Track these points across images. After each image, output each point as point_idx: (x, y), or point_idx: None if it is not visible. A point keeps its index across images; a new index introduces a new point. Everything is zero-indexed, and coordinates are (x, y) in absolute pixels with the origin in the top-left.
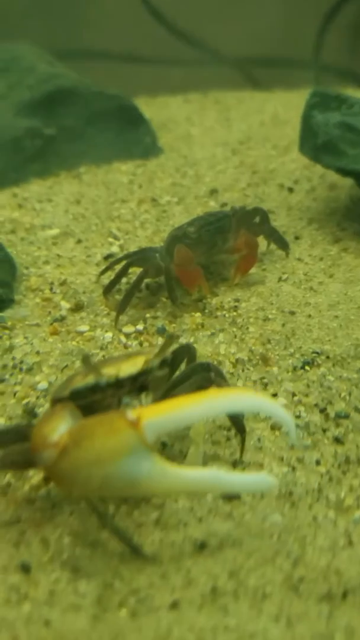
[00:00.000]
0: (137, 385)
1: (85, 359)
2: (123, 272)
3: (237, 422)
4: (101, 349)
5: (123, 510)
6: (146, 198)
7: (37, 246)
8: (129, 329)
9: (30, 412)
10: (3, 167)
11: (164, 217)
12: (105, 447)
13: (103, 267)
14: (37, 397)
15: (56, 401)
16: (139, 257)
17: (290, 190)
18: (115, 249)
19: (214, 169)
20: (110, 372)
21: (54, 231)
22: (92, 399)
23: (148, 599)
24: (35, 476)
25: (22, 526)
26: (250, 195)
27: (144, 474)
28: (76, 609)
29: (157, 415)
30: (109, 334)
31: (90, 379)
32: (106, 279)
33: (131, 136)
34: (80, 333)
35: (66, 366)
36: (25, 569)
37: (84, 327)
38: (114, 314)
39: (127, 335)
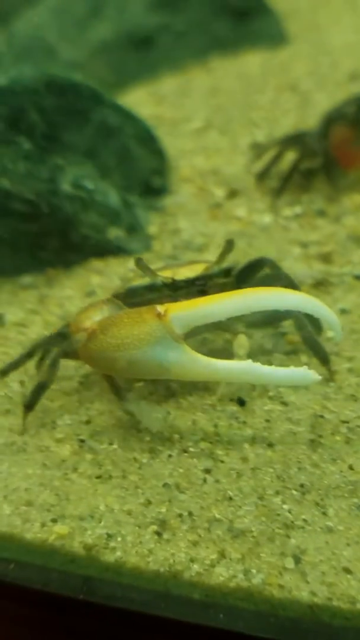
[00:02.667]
0: (195, 290)
1: (139, 262)
2: (277, 157)
3: (315, 348)
4: (262, 231)
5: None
6: (284, 86)
7: (183, 139)
8: (287, 211)
9: None
10: (138, 64)
11: (305, 104)
12: (130, 334)
13: (250, 155)
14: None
15: (115, 297)
16: (292, 141)
17: None
18: (259, 137)
19: (351, 55)
20: (167, 274)
21: (197, 124)
22: (149, 298)
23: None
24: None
25: None
26: None
27: (172, 361)
28: (293, 434)
29: (185, 308)
30: (268, 218)
31: (147, 279)
32: (254, 166)
33: (257, 26)
34: (239, 217)
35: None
36: (240, 402)
37: (241, 212)
38: (269, 198)
39: (287, 218)
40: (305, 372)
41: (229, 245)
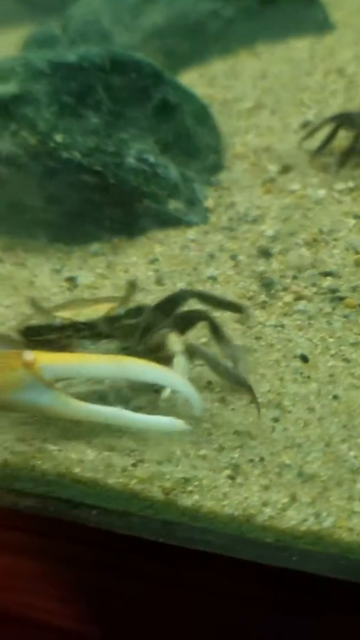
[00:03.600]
0: (99, 332)
1: (34, 302)
2: (333, 134)
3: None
4: (316, 204)
5: None
6: (331, 70)
7: (234, 118)
8: (341, 185)
9: (264, 252)
10: (189, 49)
11: (353, 86)
12: (2, 380)
13: (301, 134)
14: (268, 242)
15: (18, 332)
16: (347, 119)
17: None
18: (310, 117)
19: None
20: (66, 315)
21: (248, 104)
22: (48, 338)
23: None
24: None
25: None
26: None
27: (45, 404)
28: (356, 387)
29: (54, 361)
30: (322, 191)
31: (47, 319)
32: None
33: (304, 13)
34: (293, 191)
35: (287, 218)
36: (303, 359)
37: (295, 186)
38: (322, 174)
39: (340, 192)
40: (170, 421)
41: (132, 286)
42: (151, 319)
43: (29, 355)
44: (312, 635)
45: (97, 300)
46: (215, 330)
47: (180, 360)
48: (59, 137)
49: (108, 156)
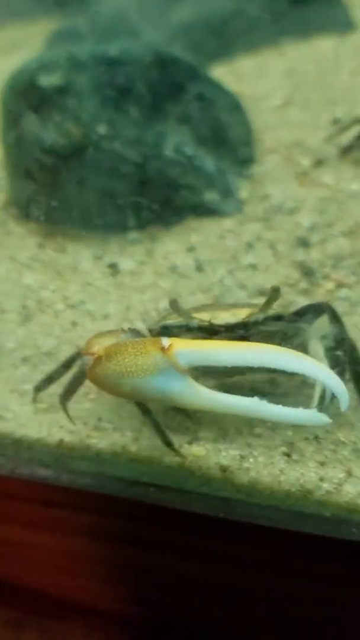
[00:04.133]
0: (236, 336)
1: (173, 303)
2: None
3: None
4: (351, 197)
5: None
6: (358, 69)
7: (265, 114)
8: None
9: (303, 242)
10: (215, 46)
11: None
12: (134, 363)
13: (331, 130)
14: (305, 232)
15: (149, 331)
16: None
17: None
18: (339, 114)
19: None
20: (204, 317)
21: (277, 101)
22: (185, 338)
23: None
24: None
25: None
26: None
27: (175, 391)
28: None
29: (190, 347)
30: (355, 185)
31: (184, 320)
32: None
33: (326, 13)
34: (327, 185)
35: (323, 210)
36: None
37: (328, 180)
38: (354, 169)
39: None
40: (313, 414)
41: (276, 293)
42: (291, 327)
43: (166, 340)
44: None
45: (235, 305)
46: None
47: (321, 355)
48: (101, 129)
49: (147, 148)
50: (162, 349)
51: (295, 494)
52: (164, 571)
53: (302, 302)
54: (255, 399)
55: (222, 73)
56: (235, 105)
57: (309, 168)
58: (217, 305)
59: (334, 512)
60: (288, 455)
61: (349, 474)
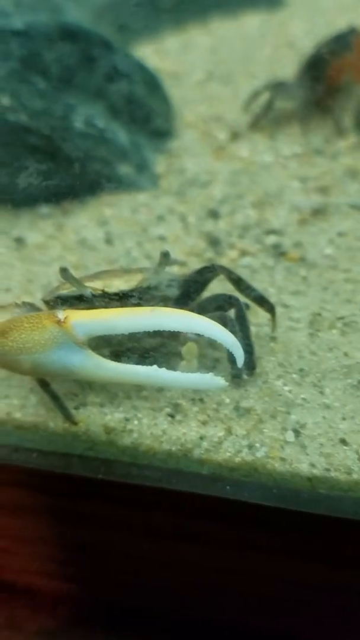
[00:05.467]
0: (130, 303)
1: (64, 272)
2: (269, 103)
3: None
4: (263, 169)
5: None
6: (281, 44)
7: (186, 89)
8: (286, 151)
9: (213, 214)
10: (139, 25)
11: (303, 59)
12: (31, 339)
13: (247, 100)
14: (216, 205)
15: (44, 302)
16: (280, 87)
17: None
18: (259, 87)
19: (345, 14)
20: (98, 285)
21: (199, 76)
22: (78, 309)
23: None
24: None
25: None
26: None
27: (77, 365)
28: (294, 330)
29: (88, 317)
30: (268, 157)
31: (77, 289)
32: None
33: None
34: (241, 157)
35: (235, 182)
36: (246, 306)
37: (244, 153)
38: (269, 141)
39: (286, 157)
40: (210, 379)
41: (165, 257)
42: (182, 291)
43: (61, 313)
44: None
45: (128, 271)
46: (241, 320)
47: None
48: (5, 100)
49: (56, 120)
50: (58, 322)
51: (176, 454)
52: (54, 539)
53: None
54: (155, 367)
55: (147, 51)
56: (152, 80)
57: (225, 142)
58: (110, 272)
59: (211, 470)
60: (172, 416)
61: (229, 432)
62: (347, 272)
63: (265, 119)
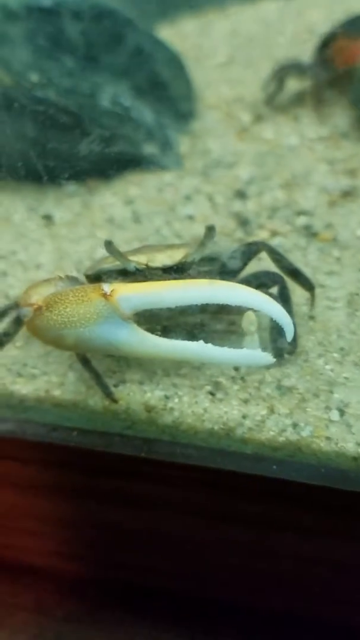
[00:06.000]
0: (173, 278)
1: (109, 245)
2: (280, 84)
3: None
4: (290, 151)
5: None
6: (301, 30)
7: (208, 72)
8: (312, 134)
9: (240, 194)
10: (158, 10)
11: None
12: (76, 312)
13: (267, 80)
14: (243, 185)
15: (86, 277)
16: (296, 67)
17: None
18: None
19: None
20: (141, 259)
21: (220, 59)
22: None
23: None
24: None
25: None
26: None
27: (121, 339)
28: (331, 309)
29: (134, 290)
30: (294, 140)
31: (121, 263)
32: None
33: None
34: (266, 139)
35: (261, 164)
36: None
37: (268, 135)
38: (292, 123)
39: (312, 140)
40: (259, 354)
41: (210, 232)
42: (226, 267)
43: (107, 286)
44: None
45: (171, 246)
46: (284, 298)
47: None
48: (34, 77)
49: (83, 98)
50: (104, 295)
51: (218, 433)
52: (90, 518)
53: None
54: (201, 342)
55: (165, 34)
56: (175, 61)
57: (248, 124)
58: (152, 247)
59: (255, 449)
60: (212, 394)
61: (272, 410)
62: None
63: (281, 96)
